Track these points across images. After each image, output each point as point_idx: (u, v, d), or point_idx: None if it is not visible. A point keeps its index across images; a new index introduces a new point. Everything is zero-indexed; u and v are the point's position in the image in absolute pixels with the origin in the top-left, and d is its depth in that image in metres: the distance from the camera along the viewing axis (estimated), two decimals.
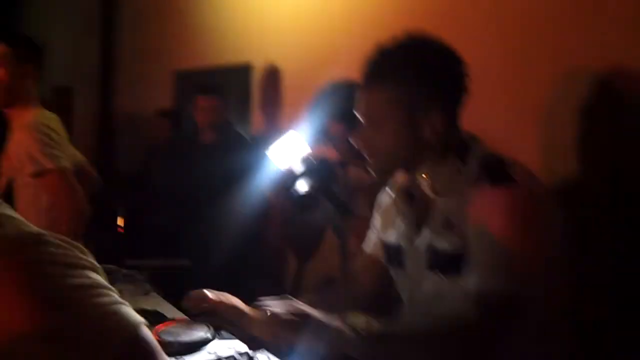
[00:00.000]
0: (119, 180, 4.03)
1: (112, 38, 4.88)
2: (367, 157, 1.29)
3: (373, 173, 1.31)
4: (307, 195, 1.81)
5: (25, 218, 0.77)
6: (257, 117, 3.37)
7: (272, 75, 3.21)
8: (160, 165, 3.36)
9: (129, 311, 0.71)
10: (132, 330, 0.69)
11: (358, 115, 1.28)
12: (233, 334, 1.40)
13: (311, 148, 2.03)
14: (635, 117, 1.65)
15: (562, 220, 1.20)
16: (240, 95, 3.43)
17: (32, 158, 2.06)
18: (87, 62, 4.94)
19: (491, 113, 2.01)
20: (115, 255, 2.25)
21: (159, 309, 1.65)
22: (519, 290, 1.07)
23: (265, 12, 3.28)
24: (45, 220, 2.09)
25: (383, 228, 1.41)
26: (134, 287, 1.85)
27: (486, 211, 1.11)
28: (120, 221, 3.52)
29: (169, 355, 1.15)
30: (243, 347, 1.36)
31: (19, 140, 2.01)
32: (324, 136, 2.00)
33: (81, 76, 4.96)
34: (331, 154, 2.00)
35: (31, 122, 2.10)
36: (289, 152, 2.03)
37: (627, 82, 1.66)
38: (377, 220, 1.46)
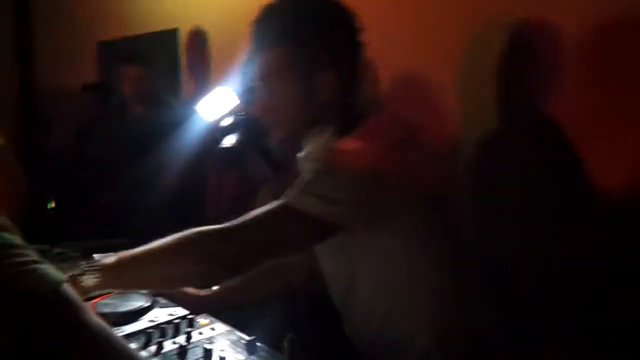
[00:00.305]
0: (48, 160, 3.87)
1: (27, 12, 4.61)
2: (268, 126, 1.25)
3: (276, 141, 1.27)
4: (232, 149, 1.79)
5: None
6: (186, 83, 3.29)
7: (199, 40, 3.13)
8: (90, 141, 3.25)
9: (48, 270, 0.69)
10: (51, 288, 0.67)
11: (254, 81, 1.24)
12: (172, 300, 1.39)
13: (242, 106, 2.01)
14: (551, 68, 1.70)
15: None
16: (168, 62, 3.33)
17: None
18: (2, 38, 4.66)
19: (411, 65, 2.04)
20: (48, 237, 2.18)
21: None
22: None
23: None
24: None
25: None
26: (68, 266, 1.80)
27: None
28: (52, 202, 3.39)
29: None
30: (183, 312, 1.35)
31: None
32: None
33: None
34: None
35: None
36: (218, 107, 2.00)
37: (544, 33, 1.71)
38: None
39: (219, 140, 1.97)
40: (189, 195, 2.86)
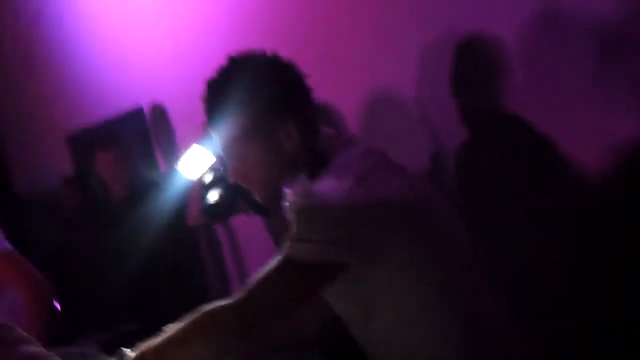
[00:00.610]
0: (39, 261, 3.84)
1: None
2: (246, 189, 1.30)
3: (260, 199, 1.31)
4: (217, 204, 1.81)
5: None
6: (159, 157, 3.34)
7: (160, 114, 3.19)
8: (78, 235, 3.24)
9: None
10: None
11: (222, 156, 1.29)
12: None
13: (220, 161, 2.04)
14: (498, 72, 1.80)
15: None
16: (140, 140, 3.37)
17: None
18: None
19: (375, 87, 2.12)
20: (62, 337, 2.16)
21: None
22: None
23: (147, 54, 3.23)
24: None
25: None
26: None
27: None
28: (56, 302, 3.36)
29: None
30: None
31: None
32: None
33: None
34: None
35: None
36: (197, 165, 2.02)
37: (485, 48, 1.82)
38: None
39: (203, 196, 1.99)
40: (186, 260, 2.87)
